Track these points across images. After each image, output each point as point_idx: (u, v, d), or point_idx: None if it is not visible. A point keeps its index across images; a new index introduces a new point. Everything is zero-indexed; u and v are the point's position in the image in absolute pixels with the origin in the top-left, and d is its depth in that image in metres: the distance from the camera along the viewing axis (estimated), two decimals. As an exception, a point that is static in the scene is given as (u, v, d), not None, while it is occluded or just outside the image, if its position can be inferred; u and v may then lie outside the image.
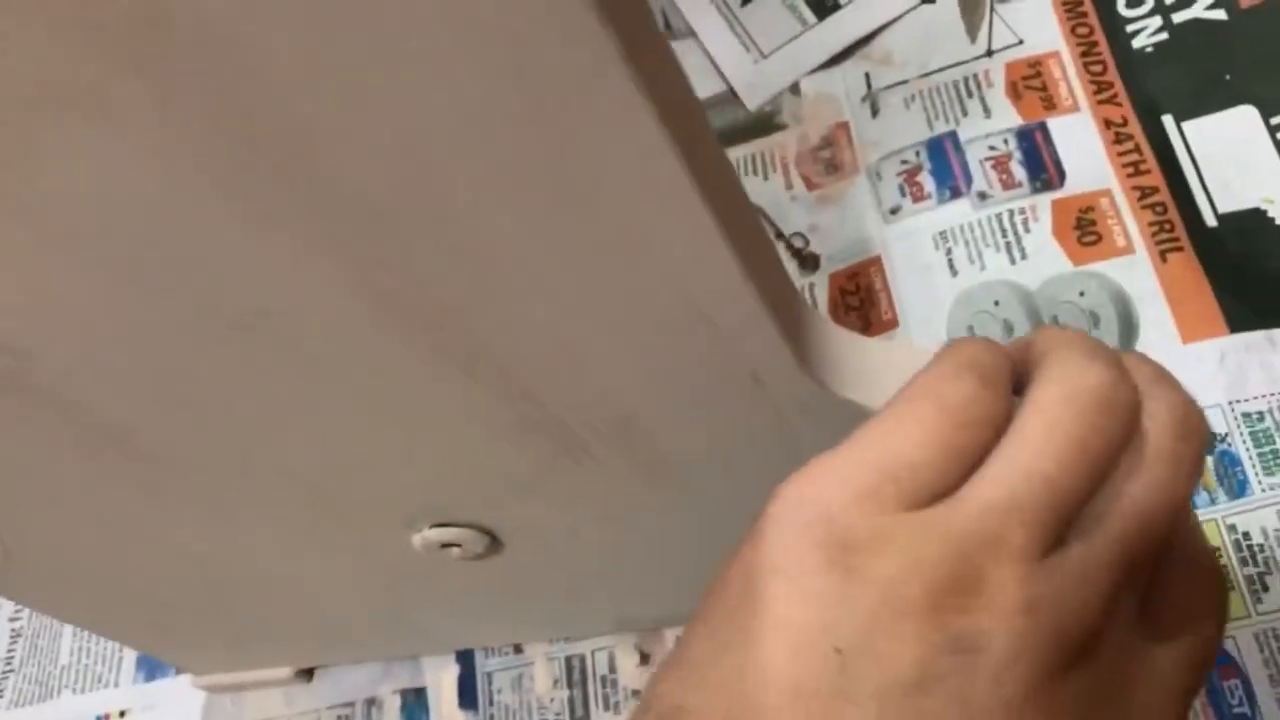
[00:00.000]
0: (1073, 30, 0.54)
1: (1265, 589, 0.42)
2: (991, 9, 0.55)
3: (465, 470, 0.34)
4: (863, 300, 0.51)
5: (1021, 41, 0.54)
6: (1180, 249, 0.48)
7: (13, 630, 0.57)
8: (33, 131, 0.22)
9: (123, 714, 0.53)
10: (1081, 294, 0.48)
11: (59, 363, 0.29)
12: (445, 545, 0.38)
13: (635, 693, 0.46)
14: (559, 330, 0.28)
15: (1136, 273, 0.48)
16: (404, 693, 0.49)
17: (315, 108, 0.21)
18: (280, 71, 0.21)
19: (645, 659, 0.47)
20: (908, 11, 0.57)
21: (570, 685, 0.47)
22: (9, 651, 0.56)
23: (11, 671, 0.56)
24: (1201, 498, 0.43)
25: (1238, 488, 0.43)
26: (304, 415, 0.32)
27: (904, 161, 0.53)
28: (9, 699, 0.55)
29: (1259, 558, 0.42)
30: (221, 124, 0.22)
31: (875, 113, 0.55)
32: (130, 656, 0.54)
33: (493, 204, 0.24)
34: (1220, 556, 0.42)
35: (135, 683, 0.54)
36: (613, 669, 0.47)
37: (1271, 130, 0.49)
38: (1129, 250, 0.48)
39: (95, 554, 0.40)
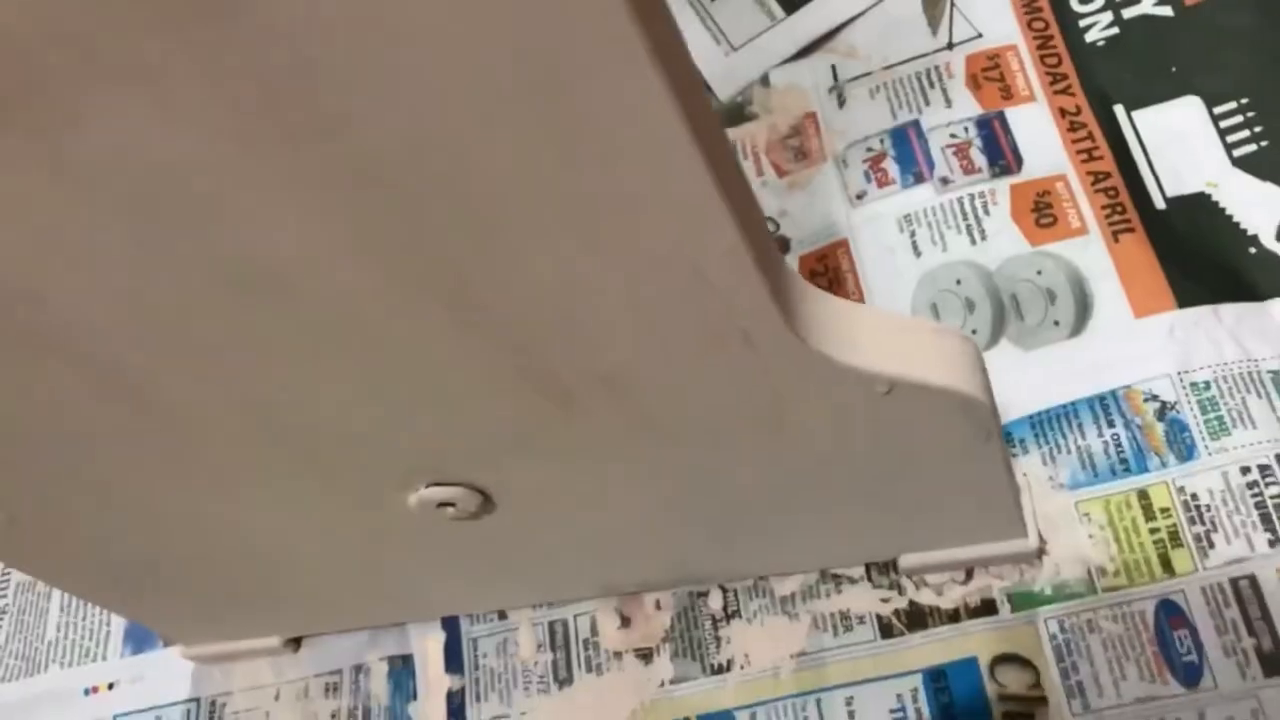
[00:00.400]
0: (1029, 24, 0.57)
1: (1211, 545, 0.44)
2: (951, 4, 0.58)
3: (462, 428, 0.36)
4: (831, 281, 0.53)
5: (980, 35, 0.57)
6: (1131, 230, 0.50)
7: (-3, 608, 0.58)
8: (82, 91, 0.23)
9: (111, 686, 0.54)
10: (1039, 273, 0.50)
11: (77, 316, 0.31)
12: (440, 505, 0.39)
13: (617, 655, 0.48)
14: (564, 289, 0.30)
15: (1091, 252, 0.50)
16: (391, 659, 0.51)
17: (345, 88, 0.23)
18: (317, 50, 0.22)
19: (626, 622, 0.49)
20: (871, 6, 0.59)
21: (554, 649, 0.49)
22: (-6, 627, 0.57)
23: (-2, 647, 0.57)
24: (1153, 461, 0.46)
25: (1186, 452, 0.46)
26: (308, 375, 0.33)
27: (869, 149, 0.56)
28: (-5, 674, 0.56)
29: (1205, 517, 0.45)
30: (251, 91, 0.23)
31: (842, 103, 0.58)
32: (117, 630, 0.56)
33: (506, 168, 0.26)
34: (1170, 517, 0.45)
35: (123, 655, 0.55)
36: (595, 632, 0.49)
37: (1214, 119, 0.52)
38: (1083, 231, 0.51)
39: (95, 520, 0.41)
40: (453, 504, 0.39)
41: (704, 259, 0.29)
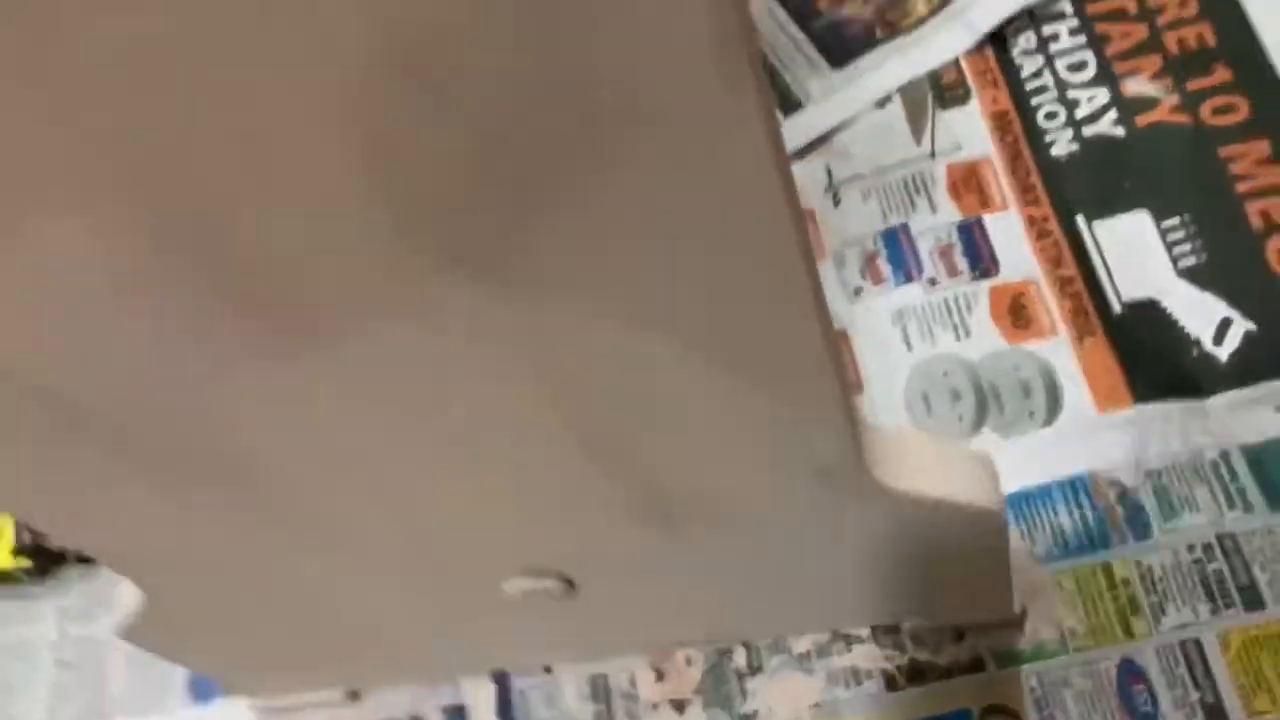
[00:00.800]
0: (1001, 138, 0.64)
1: (1164, 612, 0.52)
2: (933, 116, 0.65)
3: (570, 537, 0.42)
4: (832, 367, 0.60)
5: (960, 147, 0.64)
6: (1094, 333, 0.58)
7: (58, 661, 0.62)
8: (360, 319, 0.29)
9: (177, 734, 0.59)
10: (1016, 368, 0.58)
11: (270, 463, 0.36)
12: (529, 591, 0.46)
13: (654, 705, 0.55)
14: (692, 448, 0.36)
15: (1059, 351, 0.58)
16: (446, 709, 0.57)
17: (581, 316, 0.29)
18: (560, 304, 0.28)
19: (660, 676, 0.55)
20: (861, 114, 0.66)
21: (596, 700, 0.56)
22: (57, 682, 0.62)
23: (64, 701, 0.61)
24: (1114, 539, 0.54)
25: (1142, 531, 0.54)
26: (447, 489, 0.39)
27: (864, 249, 0.63)
28: (62, 723, 0.60)
29: (1159, 587, 0.53)
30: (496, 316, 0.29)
31: (837, 203, 0.65)
32: (179, 681, 0.60)
33: (678, 369, 0.32)
34: (1130, 587, 0.53)
35: (186, 706, 0.60)
36: (633, 685, 0.56)
37: (1162, 233, 0.60)
38: (1054, 332, 0.59)
39: (217, 599, 0.46)
40: (542, 590, 0.45)
41: (806, 417, 0.35)
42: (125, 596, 0.47)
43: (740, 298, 0.29)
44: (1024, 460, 0.56)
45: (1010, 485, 0.56)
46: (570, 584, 0.46)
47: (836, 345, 0.34)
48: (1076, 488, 0.55)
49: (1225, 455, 0.55)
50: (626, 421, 0.34)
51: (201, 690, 0.60)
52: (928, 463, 0.41)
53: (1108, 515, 0.55)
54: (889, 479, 0.40)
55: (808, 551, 0.45)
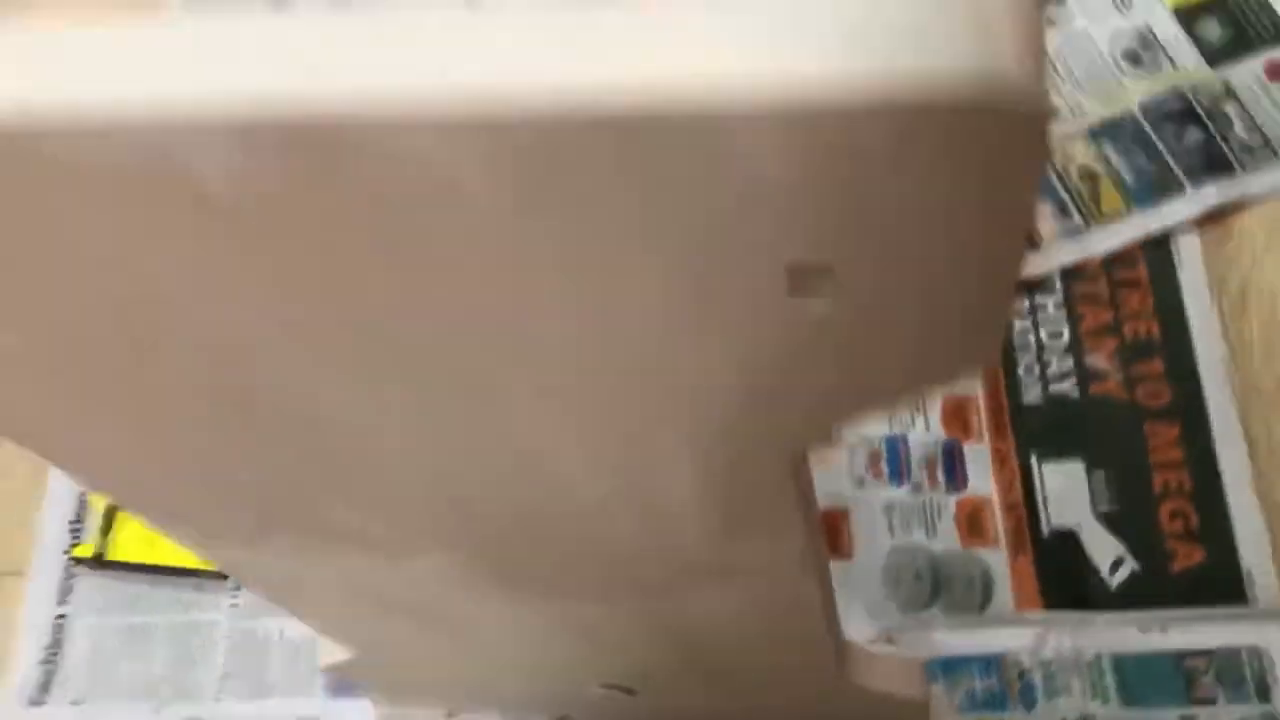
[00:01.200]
0: (987, 383, 0.86)
1: (1033, 764, 0.75)
2: (941, 353, 0.86)
3: (643, 675, 0.64)
4: (832, 534, 0.82)
5: (954, 383, 0.85)
6: (1025, 550, 0.80)
7: (229, 645, 0.84)
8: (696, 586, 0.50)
9: None
10: (965, 565, 0.80)
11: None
12: (603, 696, 0.68)
13: (665, 764, 0.77)
14: (737, 653, 0.58)
15: (997, 560, 0.80)
16: (516, 738, 0.79)
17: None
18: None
19: (673, 744, 0.78)
20: (888, 339, 0.87)
21: (625, 752, 0.78)
22: (227, 661, 0.84)
23: (232, 678, 0.83)
24: (1010, 705, 0.76)
25: (1030, 703, 0.76)
26: (577, 646, 0.61)
27: (870, 447, 0.84)
28: (232, 694, 0.83)
29: (1033, 746, 0.75)
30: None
31: (858, 407, 0.86)
32: (323, 676, 0.82)
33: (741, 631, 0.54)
34: (1012, 742, 0.76)
35: (326, 698, 0.82)
36: (653, 747, 0.78)
37: (1089, 480, 0.82)
38: (996, 544, 0.80)
39: (392, 663, 0.68)
40: (611, 698, 0.68)
41: (810, 648, 0.57)
42: (326, 647, 0.69)
43: (790, 620, 0.50)
44: (959, 636, 0.78)
45: (945, 651, 0.78)
46: (631, 692, 0.68)
47: (838, 624, 0.56)
48: (990, 663, 0.77)
49: (1098, 658, 0.77)
50: (698, 641, 0.56)
51: (339, 686, 0.82)
52: (880, 668, 0.63)
53: (1009, 687, 0.77)
54: (855, 678, 0.62)
55: (802, 694, 0.67)
